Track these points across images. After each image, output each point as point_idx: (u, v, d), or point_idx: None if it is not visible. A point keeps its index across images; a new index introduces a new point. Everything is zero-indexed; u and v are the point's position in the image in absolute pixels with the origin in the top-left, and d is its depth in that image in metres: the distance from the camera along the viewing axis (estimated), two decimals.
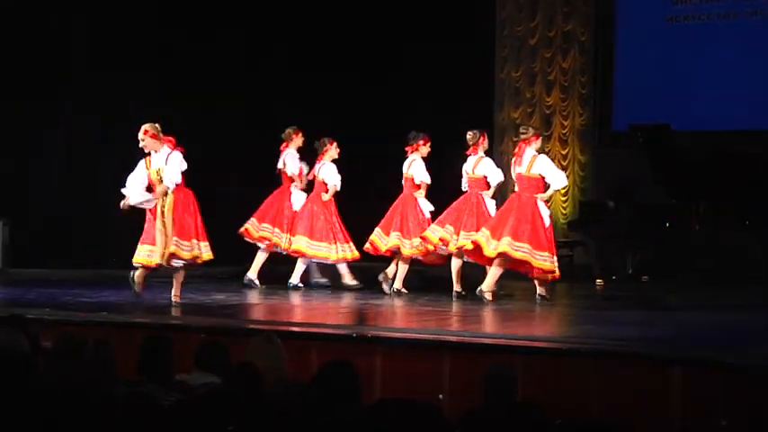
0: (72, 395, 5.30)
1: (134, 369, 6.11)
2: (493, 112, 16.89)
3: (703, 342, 8.85)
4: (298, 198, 12.98)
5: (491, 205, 11.86)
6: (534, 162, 11.31)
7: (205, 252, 10.83)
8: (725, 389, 7.27)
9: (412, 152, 12.38)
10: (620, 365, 7.78)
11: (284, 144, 13.13)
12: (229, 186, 15.46)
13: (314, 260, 12.81)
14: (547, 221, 11.24)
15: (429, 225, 12.05)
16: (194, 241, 10.75)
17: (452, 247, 11.81)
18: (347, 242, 12.68)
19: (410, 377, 8.14)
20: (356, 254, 12.64)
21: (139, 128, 10.82)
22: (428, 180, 12.26)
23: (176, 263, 10.78)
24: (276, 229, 12.77)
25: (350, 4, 16.49)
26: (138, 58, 14.97)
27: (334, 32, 16.42)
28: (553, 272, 11.19)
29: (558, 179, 11.34)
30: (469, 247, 11.46)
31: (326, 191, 12.73)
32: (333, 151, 12.80)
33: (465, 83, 16.27)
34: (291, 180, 12.94)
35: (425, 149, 12.37)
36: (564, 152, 16.18)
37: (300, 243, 12.60)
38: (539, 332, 9.80)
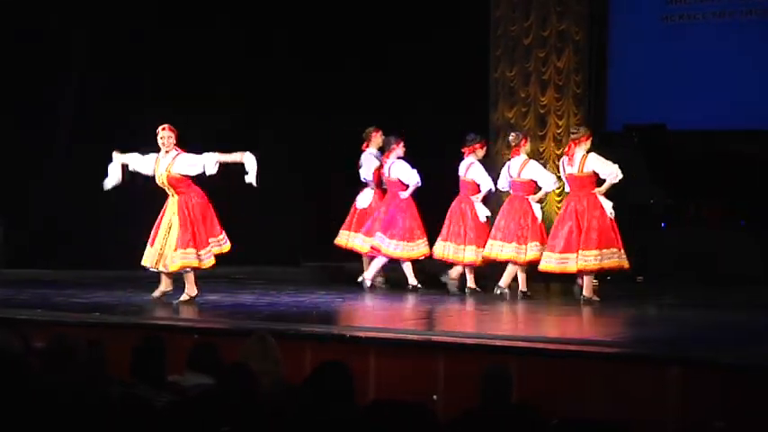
0: (64, 396, 5.26)
1: (126, 370, 6.07)
2: (488, 112, 16.86)
3: (700, 342, 8.82)
4: (365, 196, 12.98)
5: (537, 209, 11.92)
6: (586, 161, 11.39)
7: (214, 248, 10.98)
8: (723, 389, 7.24)
9: (468, 154, 12.37)
10: (617, 366, 7.76)
11: (364, 144, 13.07)
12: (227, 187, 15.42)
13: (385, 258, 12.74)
14: (611, 214, 11.32)
15: (486, 229, 12.14)
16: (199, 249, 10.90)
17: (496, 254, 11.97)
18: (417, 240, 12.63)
19: (404, 378, 8.11)
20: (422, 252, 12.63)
21: (157, 126, 11.02)
22: (491, 184, 12.26)
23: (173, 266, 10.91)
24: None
25: (343, 4, 16.45)
26: (139, 59, 14.90)
27: (328, 32, 16.38)
28: (622, 267, 11.38)
29: (612, 173, 11.36)
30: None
31: (403, 189, 12.60)
32: (399, 151, 12.64)
33: (459, 82, 16.24)
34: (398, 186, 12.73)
35: (481, 152, 12.43)
36: (558, 152, 16.11)
37: (376, 241, 12.61)
38: (534, 332, 9.76)
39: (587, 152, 11.47)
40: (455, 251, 12.22)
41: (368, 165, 12.95)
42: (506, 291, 11.80)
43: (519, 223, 11.82)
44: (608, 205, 11.36)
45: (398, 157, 12.64)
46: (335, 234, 13.53)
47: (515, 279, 11.92)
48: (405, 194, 12.60)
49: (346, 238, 13.08)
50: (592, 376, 7.70)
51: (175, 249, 10.85)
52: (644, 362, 7.77)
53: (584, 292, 11.35)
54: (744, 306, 11.41)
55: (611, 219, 11.34)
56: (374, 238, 12.62)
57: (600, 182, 11.42)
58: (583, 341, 8.80)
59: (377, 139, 12.97)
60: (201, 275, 11.26)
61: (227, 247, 11.12)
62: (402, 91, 16.27)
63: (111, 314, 10.13)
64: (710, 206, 14.09)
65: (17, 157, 14.49)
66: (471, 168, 12.33)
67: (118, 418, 5.12)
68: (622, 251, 11.36)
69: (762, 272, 13.12)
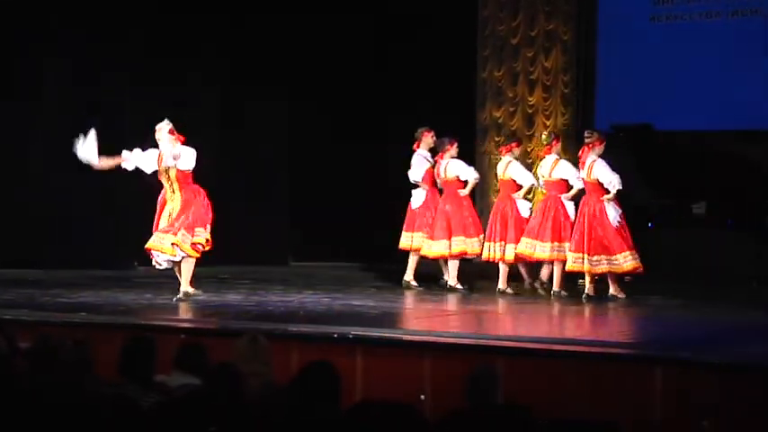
0: (50, 396, 5.24)
1: (112, 370, 6.05)
2: (475, 112, 16.85)
3: (687, 342, 8.82)
4: (418, 196, 12.91)
5: (570, 207, 11.95)
6: (592, 168, 11.56)
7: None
8: (710, 389, 7.24)
9: (505, 153, 12.54)
10: (605, 366, 7.75)
11: (415, 144, 13.03)
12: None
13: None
14: (615, 222, 11.44)
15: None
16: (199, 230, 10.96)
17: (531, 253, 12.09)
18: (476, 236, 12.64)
19: (392, 378, 8.10)
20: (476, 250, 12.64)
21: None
22: (532, 180, 12.36)
23: (179, 253, 10.94)
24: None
25: (331, 4, 16.43)
26: (131, 54, 14.87)
27: (323, 34, 16.34)
28: (637, 269, 11.50)
29: (611, 183, 11.50)
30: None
31: (461, 187, 12.61)
32: (453, 151, 12.68)
33: (446, 82, 16.24)
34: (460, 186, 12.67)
35: (518, 151, 12.67)
36: None
37: (462, 245, 12.54)
38: (522, 332, 9.76)
39: (598, 157, 11.60)
40: (500, 250, 12.26)
41: (419, 166, 12.91)
42: (564, 292, 11.94)
43: (557, 223, 11.92)
44: (612, 213, 11.48)
45: (452, 157, 12.68)
46: (325, 233, 13.48)
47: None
48: (464, 192, 12.63)
49: (408, 240, 12.98)
50: (580, 376, 7.70)
51: (175, 234, 10.87)
52: (630, 362, 7.77)
53: (587, 290, 11.55)
54: (733, 306, 11.42)
55: (618, 225, 11.48)
56: (457, 244, 12.52)
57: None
58: (571, 341, 8.80)
59: (427, 139, 12.93)
60: (192, 274, 11.26)
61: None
62: (391, 90, 16.26)
63: (97, 314, 10.09)
64: (698, 205, 14.10)
65: (2, 155, 14.45)
66: (510, 167, 12.42)
67: (104, 419, 5.09)
68: (630, 253, 11.47)
69: (749, 271, 13.15)
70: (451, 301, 11.88)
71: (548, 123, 16.35)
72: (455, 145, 12.69)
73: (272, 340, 7.68)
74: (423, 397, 7.88)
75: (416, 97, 16.16)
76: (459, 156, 12.69)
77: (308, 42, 16.25)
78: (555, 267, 11.95)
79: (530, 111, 16.63)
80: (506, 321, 11.02)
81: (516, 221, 12.27)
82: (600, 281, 11.76)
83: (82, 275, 13.39)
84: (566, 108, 16.45)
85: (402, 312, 11.32)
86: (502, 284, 12.27)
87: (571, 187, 11.98)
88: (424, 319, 10.72)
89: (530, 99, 16.63)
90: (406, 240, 12.93)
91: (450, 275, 12.55)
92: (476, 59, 16.88)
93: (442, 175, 12.73)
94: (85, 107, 14.44)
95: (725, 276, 13.22)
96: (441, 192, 12.84)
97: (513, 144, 12.69)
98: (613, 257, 11.45)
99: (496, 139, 16.54)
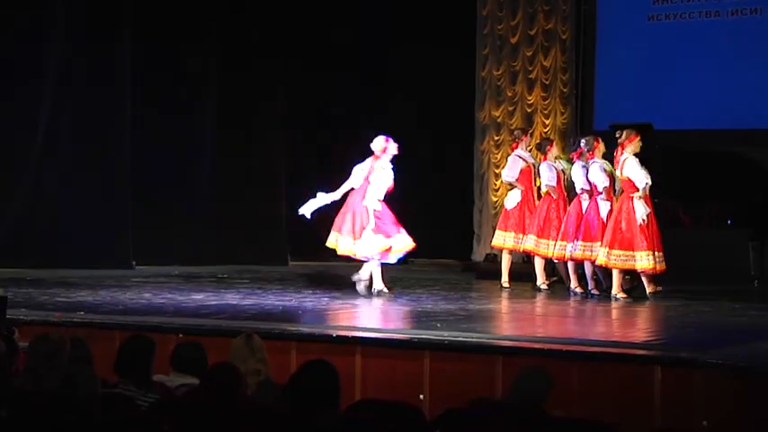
0: (47, 395, 5.23)
1: (111, 369, 6.04)
2: (474, 111, 16.85)
3: (683, 342, 8.80)
4: (513, 197, 12.86)
5: (603, 209, 11.87)
6: (623, 166, 11.59)
7: None
8: (709, 389, 7.24)
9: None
10: (605, 366, 7.74)
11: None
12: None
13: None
14: (639, 220, 11.44)
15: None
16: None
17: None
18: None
19: (390, 378, 8.09)
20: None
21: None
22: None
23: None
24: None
25: (332, 3, 16.43)
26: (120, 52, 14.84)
27: (320, 36, 16.33)
28: (653, 269, 11.49)
29: (639, 180, 11.52)
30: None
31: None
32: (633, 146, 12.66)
33: (446, 81, 16.23)
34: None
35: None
36: None
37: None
38: (520, 332, 9.74)
39: (630, 155, 11.59)
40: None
41: (513, 166, 12.89)
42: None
43: (588, 223, 11.93)
44: (640, 211, 11.48)
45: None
46: (323, 233, 13.32)
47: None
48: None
49: (502, 239, 12.92)
50: (580, 376, 7.68)
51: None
52: (632, 362, 7.75)
53: (613, 290, 11.63)
54: (733, 306, 11.41)
55: (643, 222, 11.46)
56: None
57: None
58: (566, 341, 8.78)
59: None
60: (191, 274, 11.24)
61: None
62: (391, 89, 16.27)
63: (95, 313, 10.06)
64: (698, 205, 14.10)
65: (1, 155, 14.42)
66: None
67: (102, 418, 5.08)
68: (649, 253, 11.47)
69: (747, 270, 13.15)
70: (452, 302, 11.82)
71: (547, 122, 16.37)
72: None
73: (271, 340, 7.68)
74: (422, 397, 7.87)
75: (416, 96, 16.15)
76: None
77: (305, 43, 16.25)
78: (585, 267, 12.01)
79: (528, 110, 16.65)
80: (502, 321, 11.00)
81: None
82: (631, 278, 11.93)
83: (80, 275, 13.36)
84: (564, 107, 16.47)
85: (403, 312, 11.27)
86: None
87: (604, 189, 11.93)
88: (426, 318, 10.68)
89: (529, 98, 16.65)
90: (498, 239, 12.94)
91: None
92: (475, 58, 16.89)
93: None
94: (85, 106, 14.45)
95: (725, 276, 13.20)
96: (539, 194, 12.76)
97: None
98: (631, 254, 11.45)
99: (495, 138, 16.54)
